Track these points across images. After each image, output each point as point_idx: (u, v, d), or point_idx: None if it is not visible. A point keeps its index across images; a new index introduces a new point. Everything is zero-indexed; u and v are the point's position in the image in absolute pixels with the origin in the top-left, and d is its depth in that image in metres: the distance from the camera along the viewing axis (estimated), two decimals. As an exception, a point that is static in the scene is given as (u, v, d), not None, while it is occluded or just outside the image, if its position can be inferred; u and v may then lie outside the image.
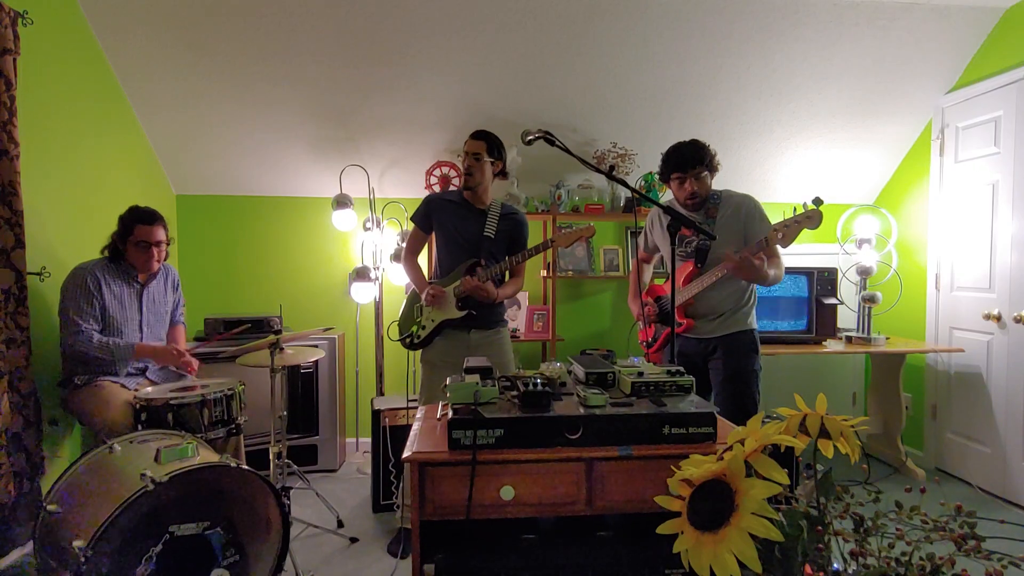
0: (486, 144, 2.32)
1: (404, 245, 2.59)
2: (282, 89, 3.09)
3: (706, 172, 2.27)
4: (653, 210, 2.50)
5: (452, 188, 3.40)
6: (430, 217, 2.44)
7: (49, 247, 2.46)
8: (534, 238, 3.71)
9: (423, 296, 2.37)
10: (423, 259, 3.32)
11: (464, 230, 2.37)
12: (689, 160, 2.23)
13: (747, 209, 2.28)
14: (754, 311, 2.38)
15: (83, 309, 2.23)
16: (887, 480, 3.20)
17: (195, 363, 2.53)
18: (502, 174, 2.41)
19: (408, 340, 2.43)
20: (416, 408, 2.49)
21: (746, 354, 2.30)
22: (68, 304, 2.24)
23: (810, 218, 2.04)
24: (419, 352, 2.46)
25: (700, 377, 2.39)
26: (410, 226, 2.57)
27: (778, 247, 2.18)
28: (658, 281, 2.74)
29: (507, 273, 2.44)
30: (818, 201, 2.04)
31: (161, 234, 2.39)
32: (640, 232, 2.66)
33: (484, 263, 2.34)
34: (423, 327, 2.38)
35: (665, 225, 2.34)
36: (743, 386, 2.27)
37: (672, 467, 0.84)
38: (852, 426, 0.90)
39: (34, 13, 2.24)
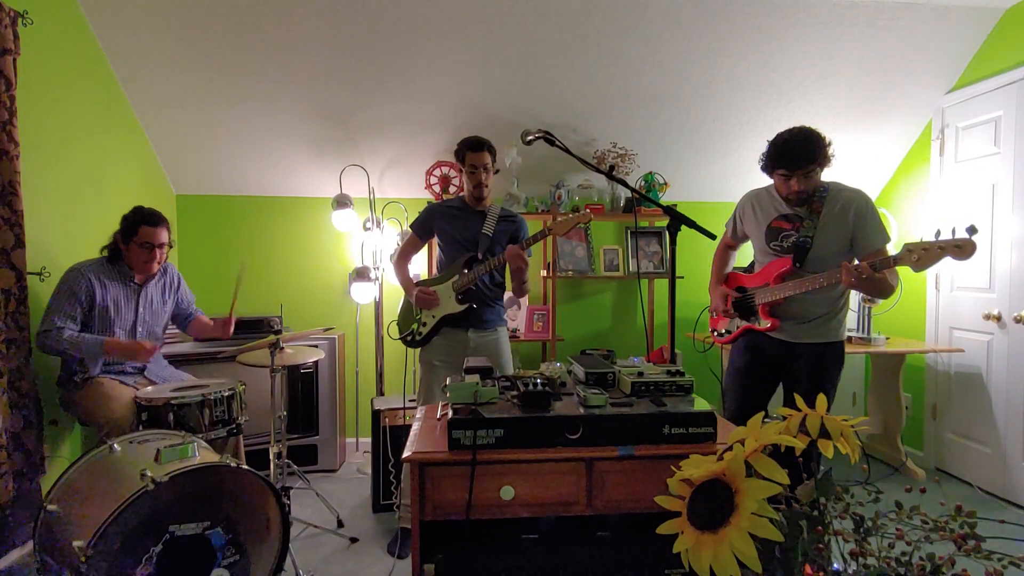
0: (489, 153, 2.37)
1: (400, 246, 2.61)
2: (282, 89, 3.09)
3: (817, 169, 2.04)
4: (747, 196, 2.32)
5: (452, 188, 3.41)
6: (430, 225, 2.48)
7: (49, 247, 2.46)
8: (534, 238, 3.74)
9: (412, 297, 2.39)
10: (423, 263, 3.34)
11: (463, 230, 2.41)
12: (800, 158, 2.00)
13: (858, 209, 2.06)
14: (846, 319, 2.20)
15: (64, 309, 2.21)
16: (887, 480, 3.20)
17: (229, 323, 2.58)
18: (496, 170, 2.48)
19: (409, 338, 2.44)
20: (415, 408, 2.50)
21: (832, 369, 2.14)
22: (52, 301, 2.23)
23: (960, 248, 1.73)
24: (418, 352, 2.47)
25: (772, 378, 2.25)
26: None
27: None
28: (737, 268, 2.52)
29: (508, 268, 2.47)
30: (972, 230, 1.73)
31: (164, 236, 2.39)
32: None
33: (481, 257, 2.36)
34: (424, 324, 2.40)
35: (758, 212, 2.21)
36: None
37: (672, 467, 0.84)
38: (852, 426, 0.90)
39: (34, 13, 2.24)
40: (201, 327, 2.68)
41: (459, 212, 2.45)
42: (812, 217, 2.09)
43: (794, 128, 2.07)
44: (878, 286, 1.96)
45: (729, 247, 2.46)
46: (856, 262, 2.01)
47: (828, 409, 2.15)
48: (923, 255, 1.80)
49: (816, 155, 2.01)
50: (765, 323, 2.18)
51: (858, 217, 2.06)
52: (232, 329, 2.62)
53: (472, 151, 2.36)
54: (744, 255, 2.67)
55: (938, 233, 1.82)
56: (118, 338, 2.32)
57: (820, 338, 2.14)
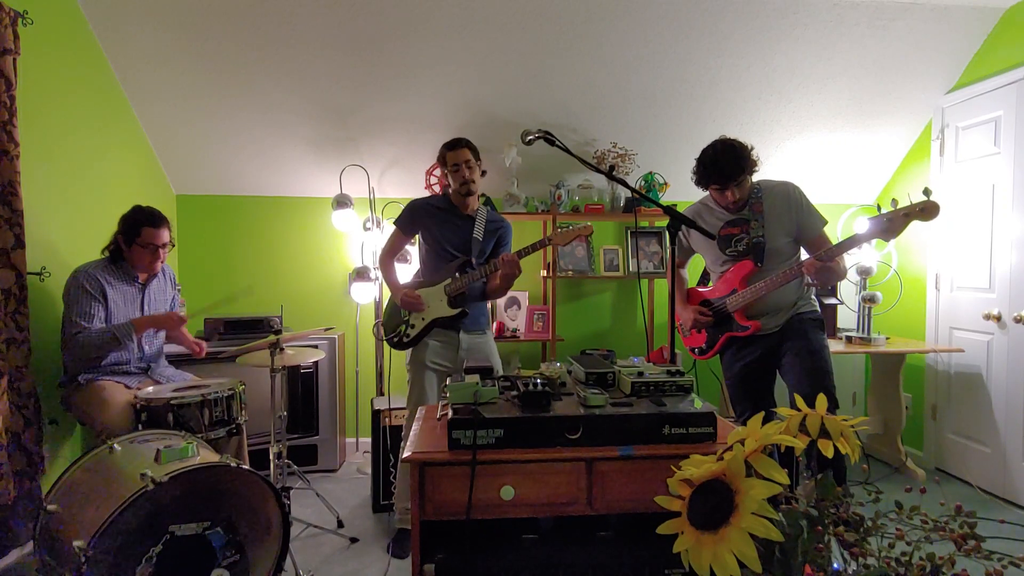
0: (470, 150, 2.36)
1: (385, 244, 2.57)
2: (282, 89, 3.09)
3: (747, 177, 2.16)
4: (687, 211, 2.39)
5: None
6: (415, 223, 2.46)
7: (49, 247, 2.46)
8: (534, 238, 3.73)
9: (398, 299, 2.38)
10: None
11: (452, 235, 2.40)
12: (730, 173, 2.11)
13: (795, 200, 2.19)
14: (812, 295, 2.29)
15: (87, 311, 2.23)
16: (887, 480, 3.20)
17: (202, 344, 2.60)
18: (483, 172, 2.45)
19: (396, 339, 2.43)
20: (405, 410, 2.49)
21: (815, 331, 2.18)
22: (72, 307, 2.23)
23: (925, 210, 1.80)
24: (407, 353, 2.46)
25: (769, 370, 2.27)
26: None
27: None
28: (692, 284, 2.59)
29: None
30: (928, 191, 1.83)
31: (166, 236, 2.40)
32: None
33: (476, 262, 2.35)
34: (412, 326, 2.38)
35: (703, 226, 2.26)
36: (819, 361, 2.12)
37: (672, 467, 0.84)
38: (852, 426, 0.90)
39: (34, 13, 2.24)
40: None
41: (445, 213, 2.42)
42: (757, 216, 2.20)
43: (717, 143, 2.17)
44: (836, 272, 2.09)
45: (678, 266, 2.53)
46: (804, 253, 2.21)
47: (831, 368, 2.13)
48: (888, 225, 1.87)
49: (744, 166, 2.12)
50: (746, 327, 2.24)
51: (797, 207, 2.20)
52: (205, 352, 2.62)
53: (450, 150, 2.36)
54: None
55: (895, 202, 1.89)
56: (145, 316, 2.42)
57: (796, 312, 2.23)
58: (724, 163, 2.12)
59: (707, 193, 2.34)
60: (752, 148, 2.17)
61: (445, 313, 2.33)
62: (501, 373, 2.45)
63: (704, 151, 2.19)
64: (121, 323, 2.29)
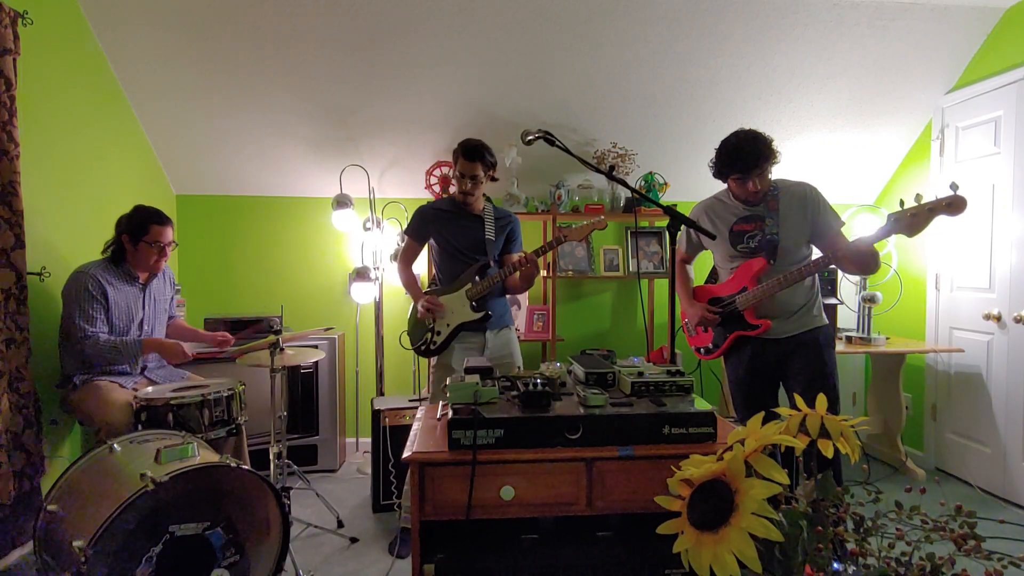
0: (482, 164, 2.32)
1: (399, 253, 2.59)
2: (282, 89, 3.09)
3: (768, 167, 2.11)
4: (697, 208, 2.34)
5: (453, 188, 3.40)
6: (426, 229, 2.46)
7: (49, 247, 2.46)
8: (533, 238, 3.74)
9: (418, 306, 2.38)
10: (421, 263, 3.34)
11: (465, 238, 2.40)
12: (754, 160, 2.06)
13: (812, 199, 2.15)
14: (821, 303, 2.25)
15: (89, 314, 2.23)
16: (887, 480, 3.20)
17: (227, 335, 2.64)
18: (494, 178, 2.42)
19: (423, 347, 2.43)
20: (416, 408, 2.49)
21: (828, 353, 2.14)
22: (73, 309, 2.23)
23: (952, 205, 1.75)
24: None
25: (774, 378, 2.23)
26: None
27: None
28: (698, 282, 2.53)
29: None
30: (955, 186, 1.77)
31: (171, 234, 2.42)
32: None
33: (492, 263, 2.36)
34: (438, 332, 2.39)
35: (716, 221, 2.24)
36: (827, 387, 2.09)
37: (672, 467, 0.84)
38: (852, 426, 0.90)
39: (34, 13, 2.24)
40: (177, 331, 2.70)
41: (453, 216, 2.42)
42: (772, 214, 2.16)
43: (739, 132, 2.13)
44: (876, 258, 2.07)
45: (685, 261, 2.47)
46: (813, 248, 2.20)
47: (838, 393, 2.12)
48: (913, 220, 1.82)
49: (767, 154, 2.08)
50: (757, 325, 2.18)
51: (813, 207, 2.15)
52: (232, 341, 2.64)
53: (466, 159, 2.31)
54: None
55: (919, 197, 1.84)
56: (154, 338, 2.42)
57: (810, 325, 2.17)
58: (747, 151, 2.07)
59: (718, 190, 2.28)
60: (772, 140, 2.12)
61: (470, 317, 2.34)
62: (521, 366, 2.47)
63: (726, 140, 2.14)
64: (130, 340, 2.30)
